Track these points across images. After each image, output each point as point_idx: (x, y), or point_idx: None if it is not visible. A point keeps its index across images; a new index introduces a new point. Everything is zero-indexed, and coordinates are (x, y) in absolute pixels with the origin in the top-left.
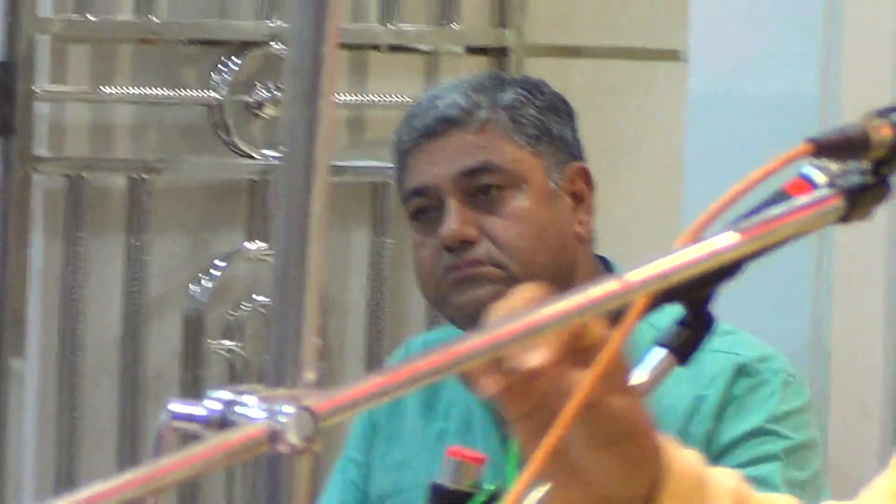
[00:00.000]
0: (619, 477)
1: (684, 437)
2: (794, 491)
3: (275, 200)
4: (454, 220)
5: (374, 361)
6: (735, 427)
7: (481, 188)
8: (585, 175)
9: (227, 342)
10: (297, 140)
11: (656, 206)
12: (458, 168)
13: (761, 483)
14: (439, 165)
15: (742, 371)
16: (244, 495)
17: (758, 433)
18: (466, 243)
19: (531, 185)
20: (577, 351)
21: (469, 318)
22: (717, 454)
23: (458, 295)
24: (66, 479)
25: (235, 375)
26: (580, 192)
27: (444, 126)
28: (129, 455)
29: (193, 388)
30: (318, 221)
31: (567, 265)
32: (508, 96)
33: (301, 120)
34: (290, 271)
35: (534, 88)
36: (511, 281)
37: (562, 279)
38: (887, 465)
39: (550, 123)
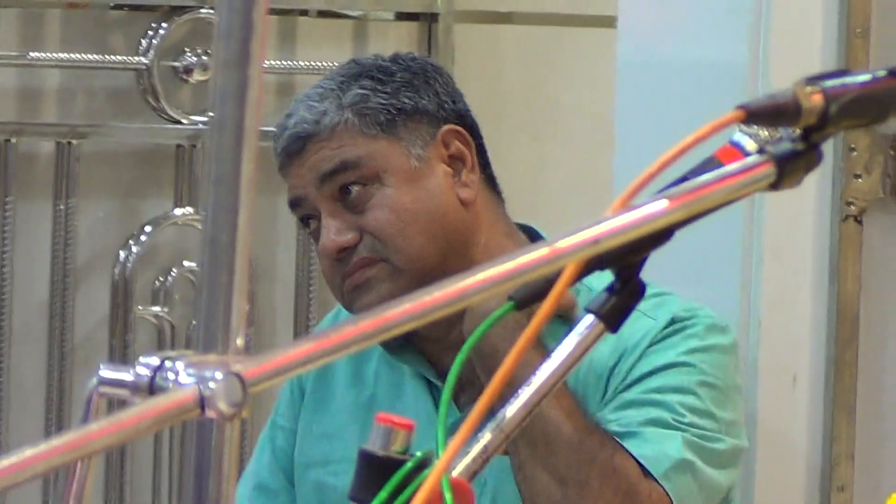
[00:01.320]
0: None
1: (606, 387)
2: (704, 420)
3: (204, 166)
4: (330, 231)
5: (302, 327)
6: (652, 361)
7: (343, 188)
8: (458, 135)
9: (154, 308)
10: (226, 105)
11: (587, 172)
12: (317, 175)
13: (667, 409)
14: (304, 177)
15: (670, 323)
16: (172, 461)
17: (673, 365)
18: (348, 249)
19: (390, 171)
20: None
21: None
22: (628, 386)
23: (355, 304)
24: None
25: (163, 341)
26: (457, 153)
27: (298, 143)
28: (55, 420)
29: (121, 354)
30: (248, 186)
31: (458, 236)
32: (352, 94)
33: (231, 85)
34: (220, 237)
35: (384, 72)
36: (398, 273)
37: (458, 251)
38: (815, 430)
39: (402, 102)
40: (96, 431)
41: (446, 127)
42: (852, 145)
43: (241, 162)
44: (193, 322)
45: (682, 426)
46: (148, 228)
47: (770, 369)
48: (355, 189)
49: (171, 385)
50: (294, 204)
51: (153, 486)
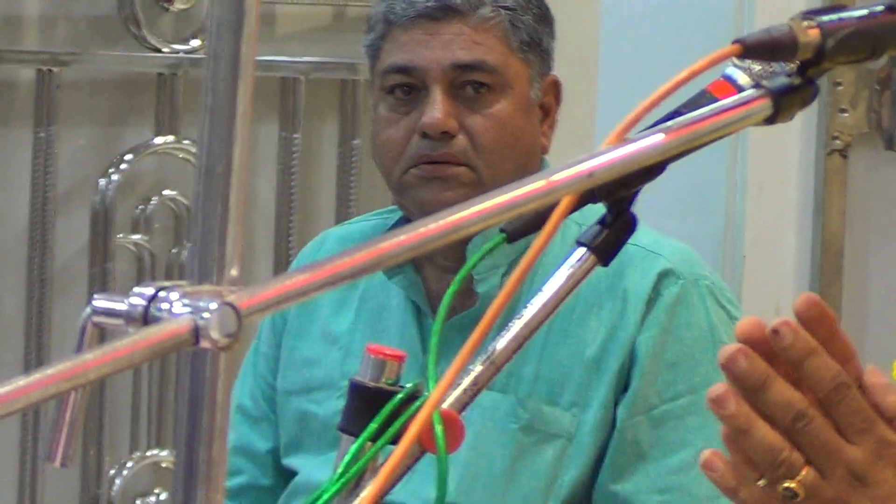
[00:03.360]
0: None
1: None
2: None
3: (202, 96)
4: (439, 110)
5: (282, 257)
6: (674, 375)
7: (469, 83)
8: (557, 89)
9: (134, 236)
10: (223, 36)
11: (570, 112)
12: (452, 59)
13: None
14: (433, 50)
15: (665, 275)
16: (150, 394)
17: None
18: (446, 135)
19: (516, 91)
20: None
21: (427, 214)
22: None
23: (425, 191)
24: None
25: (143, 269)
26: (548, 104)
27: (445, 13)
28: (35, 347)
29: (101, 282)
30: (243, 118)
31: (529, 174)
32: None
33: (227, 15)
34: (215, 167)
35: None
36: (479, 185)
37: None
38: None
39: (542, 34)
40: (91, 361)
41: (552, 77)
42: (838, 80)
43: (238, 93)
44: (173, 250)
45: None
46: (128, 157)
47: (753, 301)
48: (481, 90)
49: (165, 315)
50: (401, 70)
51: (132, 418)
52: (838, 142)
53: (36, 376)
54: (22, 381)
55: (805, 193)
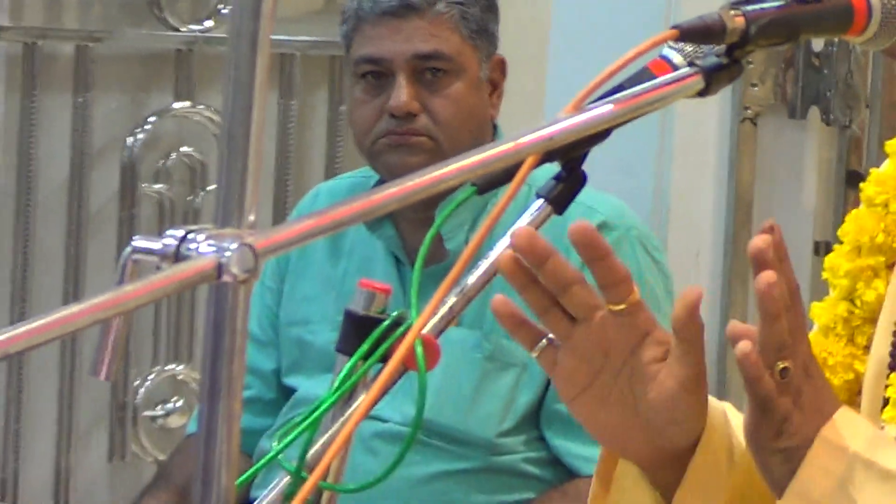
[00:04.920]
0: (694, 423)
1: None
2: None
3: (224, 70)
4: (404, 94)
5: (280, 206)
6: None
7: (429, 70)
8: (502, 66)
9: (157, 186)
10: (244, 17)
11: (523, 86)
12: (413, 51)
13: None
14: (396, 43)
15: (602, 227)
16: (169, 317)
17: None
18: (410, 115)
19: (468, 73)
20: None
21: (394, 177)
22: None
23: (392, 156)
24: (20, 300)
25: (164, 214)
26: (496, 80)
27: (406, 10)
28: (73, 280)
29: (129, 224)
30: (261, 89)
31: (482, 141)
32: None
33: (248, 1)
34: (237, 131)
35: None
36: (438, 152)
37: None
38: (714, 296)
39: (488, 21)
40: (132, 292)
41: (498, 56)
42: (749, 59)
43: (256, 68)
44: (188, 197)
45: None
46: (152, 119)
47: (677, 246)
48: (438, 75)
49: (193, 254)
50: (371, 60)
51: (153, 338)
52: (749, 111)
53: (85, 304)
54: (75, 308)
55: (721, 155)
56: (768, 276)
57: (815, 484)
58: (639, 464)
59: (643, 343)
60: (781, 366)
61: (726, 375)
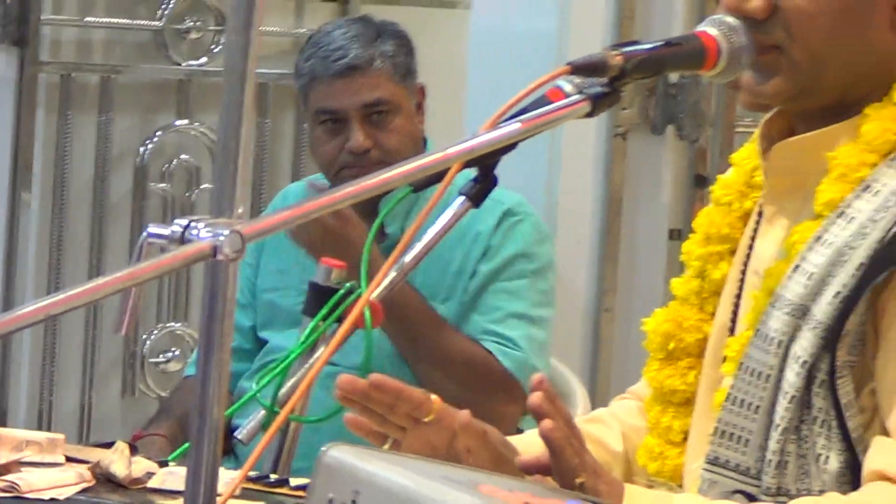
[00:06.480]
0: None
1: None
2: (539, 298)
3: (223, 96)
4: (360, 136)
5: (255, 202)
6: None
7: (375, 113)
8: (423, 91)
9: (162, 185)
10: (235, 57)
11: (444, 108)
12: (362, 101)
13: (511, 293)
14: (347, 98)
15: (506, 213)
16: (170, 283)
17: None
18: (366, 150)
19: (403, 108)
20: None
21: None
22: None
23: None
24: (56, 274)
25: (167, 207)
26: (420, 103)
27: (352, 70)
28: (96, 259)
29: (140, 215)
30: (248, 109)
31: (418, 154)
32: (388, 48)
33: (238, 44)
34: (230, 143)
35: (400, 38)
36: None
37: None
38: (591, 274)
39: (409, 63)
40: (147, 267)
41: (419, 84)
42: (621, 88)
43: (244, 95)
44: (186, 194)
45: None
46: (159, 133)
47: (564, 234)
48: (382, 115)
49: (194, 238)
50: (328, 112)
51: (157, 299)
52: (621, 129)
53: (110, 277)
54: (101, 280)
55: (598, 162)
56: (548, 423)
57: None
58: None
59: (456, 437)
60: (579, 482)
61: (600, 335)
